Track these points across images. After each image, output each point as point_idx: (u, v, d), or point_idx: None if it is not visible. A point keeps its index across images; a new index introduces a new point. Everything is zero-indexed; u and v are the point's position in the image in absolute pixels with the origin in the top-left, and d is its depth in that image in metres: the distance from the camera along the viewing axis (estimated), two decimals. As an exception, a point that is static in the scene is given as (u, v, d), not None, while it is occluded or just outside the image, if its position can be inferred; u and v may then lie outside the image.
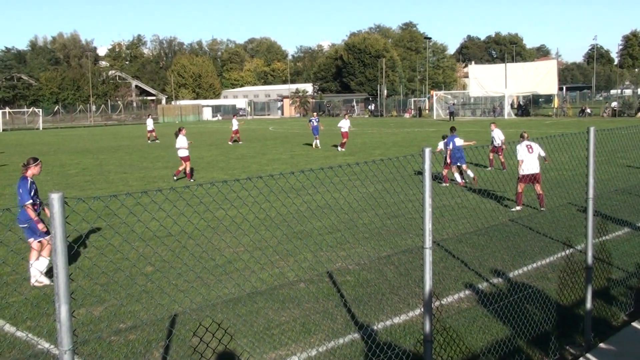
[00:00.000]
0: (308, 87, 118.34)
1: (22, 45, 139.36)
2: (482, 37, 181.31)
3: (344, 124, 33.00)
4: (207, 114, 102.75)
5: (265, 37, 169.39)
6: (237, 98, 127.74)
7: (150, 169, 25.79)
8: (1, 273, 10.02)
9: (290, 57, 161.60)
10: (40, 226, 9.63)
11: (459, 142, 19.25)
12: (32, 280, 9.42)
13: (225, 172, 24.33)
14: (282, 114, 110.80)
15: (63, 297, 3.35)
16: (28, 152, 36.58)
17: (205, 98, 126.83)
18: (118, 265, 10.18)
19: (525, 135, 15.09)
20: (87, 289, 9.05)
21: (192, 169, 22.63)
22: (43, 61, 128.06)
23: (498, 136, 22.32)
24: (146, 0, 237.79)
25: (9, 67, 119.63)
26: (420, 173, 5.00)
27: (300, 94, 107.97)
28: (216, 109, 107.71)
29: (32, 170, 10.02)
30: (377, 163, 21.40)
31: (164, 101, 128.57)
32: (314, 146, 35.28)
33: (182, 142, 21.75)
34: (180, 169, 22.08)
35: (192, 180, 21.68)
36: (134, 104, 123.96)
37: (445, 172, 19.56)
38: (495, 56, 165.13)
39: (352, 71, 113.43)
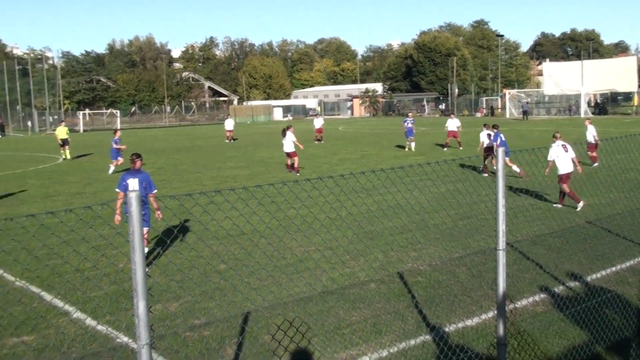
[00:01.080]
0: (378, 87, 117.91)
1: (101, 48, 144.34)
2: (557, 34, 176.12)
3: (452, 124, 32.10)
4: (277, 114, 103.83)
5: (335, 37, 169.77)
6: (307, 98, 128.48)
7: (223, 169, 26.24)
8: (82, 269, 10.38)
9: (359, 56, 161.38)
10: (116, 218, 10.77)
11: (504, 137, 20.97)
12: None
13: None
14: (352, 113, 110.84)
15: (141, 293, 3.43)
16: (108, 152, 37.83)
17: (275, 98, 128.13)
18: (193, 262, 10.40)
19: (558, 135, 15.18)
20: (163, 286, 9.27)
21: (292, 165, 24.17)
22: (120, 64, 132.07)
23: (592, 132, 22.42)
24: (218, 3, 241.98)
25: (88, 70, 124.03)
26: (494, 173, 4.90)
27: (370, 93, 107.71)
28: (286, 109, 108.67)
29: (139, 164, 11.25)
30: (448, 163, 21.14)
31: (235, 102, 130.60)
32: (407, 149, 32.44)
33: (289, 138, 23.70)
34: (289, 163, 24.23)
35: (298, 174, 23.37)
36: (207, 105, 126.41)
37: (486, 162, 21.27)
38: (570, 53, 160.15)
39: (423, 70, 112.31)
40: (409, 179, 18.41)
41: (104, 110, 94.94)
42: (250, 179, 22.52)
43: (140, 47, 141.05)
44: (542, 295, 8.47)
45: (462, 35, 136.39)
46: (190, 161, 30.18)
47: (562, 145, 14.84)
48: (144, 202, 10.24)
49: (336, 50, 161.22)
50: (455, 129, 31.64)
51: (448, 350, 6.47)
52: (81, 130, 78.06)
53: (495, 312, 5.31)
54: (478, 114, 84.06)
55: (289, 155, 24.04)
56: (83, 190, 20.79)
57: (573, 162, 14.71)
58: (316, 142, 40.10)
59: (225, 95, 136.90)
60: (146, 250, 10.15)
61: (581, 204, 14.23)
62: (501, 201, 4.88)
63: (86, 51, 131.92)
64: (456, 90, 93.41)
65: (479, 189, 14.69)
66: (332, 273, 9.70)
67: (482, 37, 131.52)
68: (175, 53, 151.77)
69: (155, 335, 7.28)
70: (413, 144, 32.46)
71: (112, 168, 25.50)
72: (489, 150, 21.27)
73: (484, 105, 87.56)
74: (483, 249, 10.88)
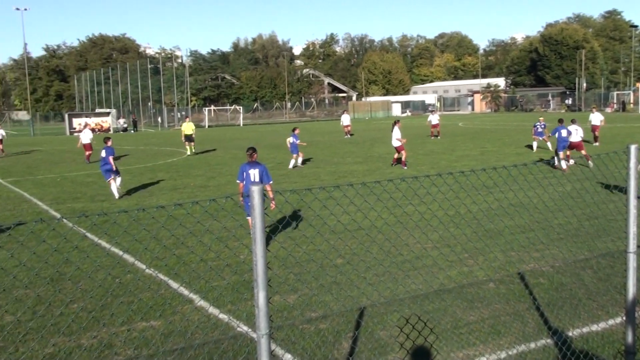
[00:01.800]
0: (500, 82, 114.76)
1: (226, 47, 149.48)
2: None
3: (595, 118, 30.68)
4: (396, 110, 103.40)
5: (456, 31, 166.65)
6: (427, 94, 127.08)
7: (341, 164, 26.46)
8: (206, 259, 10.81)
9: (481, 51, 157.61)
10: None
11: (564, 133, 21.41)
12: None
13: (414, 168, 24.32)
14: (473, 109, 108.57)
15: (261, 283, 3.53)
16: (230, 147, 39.17)
17: (394, 94, 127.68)
18: (311, 256, 10.56)
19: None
20: (282, 277, 9.48)
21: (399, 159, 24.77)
22: (244, 61, 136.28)
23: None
24: (339, 0, 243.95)
25: (214, 68, 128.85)
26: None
27: (491, 88, 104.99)
28: (405, 105, 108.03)
29: (255, 157, 12.18)
30: (575, 160, 20.15)
31: (354, 98, 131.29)
32: (534, 149, 29.69)
33: (395, 134, 24.33)
34: (396, 157, 24.88)
35: (405, 167, 24.05)
36: (326, 101, 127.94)
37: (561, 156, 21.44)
38: None
39: (548, 64, 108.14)
40: (532, 176, 17.79)
41: (228, 107, 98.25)
42: (368, 174, 22.57)
43: (263, 45, 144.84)
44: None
45: (592, 27, 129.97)
46: (308, 156, 30.66)
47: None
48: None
49: (457, 45, 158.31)
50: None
51: (571, 355, 6.21)
52: (206, 126, 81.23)
53: (624, 318, 5.04)
54: (608, 109, 79.93)
55: (396, 149, 24.61)
56: (207, 184, 21.62)
57: None
58: (432, 138, 39.65)
59: (344, 92, 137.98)
60: None
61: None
62: (632, 201, 4.62)
63: (212, 50, 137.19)
64: (584, 85, 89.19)
65: (607, 188, 13.97)
66: (449, 271, 9.55)
67: (613, 28, 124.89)
68: (297, 50, 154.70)
69: (273, 325, 7.46)
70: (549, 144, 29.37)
71: (292, 162, 26.16)
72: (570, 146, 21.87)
73: (615, 100, 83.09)
74: (611, 251, 10.34)
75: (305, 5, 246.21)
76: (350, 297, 8.50)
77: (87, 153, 31.66)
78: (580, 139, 22.07)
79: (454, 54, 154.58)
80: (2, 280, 9.80)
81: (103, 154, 19.13)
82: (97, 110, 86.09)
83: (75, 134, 64.04)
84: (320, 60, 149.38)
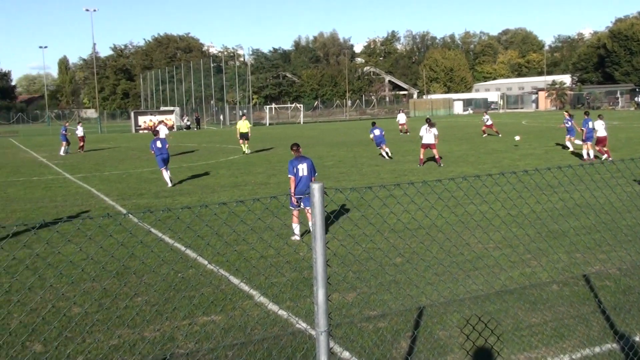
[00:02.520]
0: (566, 79, 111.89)
1: (287, 45, 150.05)
2: None
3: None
4: (457, 108, 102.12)
5: (521, 27, 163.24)
6: (489, 91, 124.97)
7: (401, 162, 26.31)
8: (267, 255, 10.92)
9: (547, 47, 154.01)
10: (294, 199, 12.27)
11: (591, 124, 24.76)
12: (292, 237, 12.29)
13: (475, 166, 23.99)
14: (537, 107, 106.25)
15: (321, 281, 3.54)
16: (291, 144, 39.44)
17: (456, 92, 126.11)
18: (370, 254, 10.54)
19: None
20: (341, 275, 9.50)
21: (440, 157, 24.96)
22: (305, 60, 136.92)
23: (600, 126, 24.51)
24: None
25: (275, 67, 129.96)
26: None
27: (557, 85, 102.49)
28: (467, 103, 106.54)
29: (301, 151, 12.96)
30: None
31: (415, 95, 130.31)
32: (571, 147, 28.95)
33: (434, 132, 24.45)
34: (423, 156, 24.88)
35: (441, 165, 24.25)
36: (387, 99, 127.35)
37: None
38: None
39: (617, 60, 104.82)
40: (599, 176, 17.30)
41: (289, 105, 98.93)
42: (428, 173, 22.38)
43: (324, 43, 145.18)
44: None
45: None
46: (369, 154, 30.58)
47: None
48: (305, 184, 12.23)
49: (521, 41, 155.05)
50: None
51: (639, 361, 6.02)
52: (267, 124, 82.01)
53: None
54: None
55: (429, 146, 24.40)
56: (268, 181, 21.83)
57: None
58: (484, 136, 39.73)
59: (405, 89, 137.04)
60: (298, 227, 12.20)
61: None
62: None
63: (274, 48, 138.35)
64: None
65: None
66: (511, 272, 9.39)
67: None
68: (358, 48, 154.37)
69: (332, 323, 7.48)
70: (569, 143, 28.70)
71: (385, 152, 28.08)
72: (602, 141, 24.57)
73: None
74: (682, 255, 9.97)
75: (366, 3, 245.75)
76: (410, 296, 8.45)
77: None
78: (605, 134, 24.56)
79: (518, 51, 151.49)
80: (71, 272, 10.13)
81: (159, 144, 21.28)
82: (162, 108, 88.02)
83: (146, 130, 65.61)
84: (381, 58, 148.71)
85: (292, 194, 12.27)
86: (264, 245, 11.51)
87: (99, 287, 9.35)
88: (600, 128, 24.56)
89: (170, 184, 20.96)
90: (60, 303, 8.72)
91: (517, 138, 32.36)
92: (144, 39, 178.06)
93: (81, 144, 40.57)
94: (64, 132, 39.57)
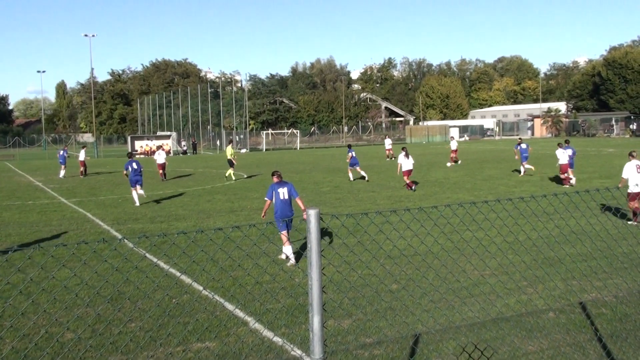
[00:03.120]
0: (561, 106, 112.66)
1: (284, 71, 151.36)
2: None
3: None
4: (454, 135, 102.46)
5: (516, 55, 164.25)
6: (485, 118, 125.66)
7: (397, 189, 26.32)
8: (262, 281, 10.87)
9: (542, 75, 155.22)
10: (262, 215, 13.33)
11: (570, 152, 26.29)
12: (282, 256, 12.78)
13: (471, 193, 24.01)
14: (532, 134, 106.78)
15: (316, 307, 3.53)
16: (287, 169, 39.46)
17: (452, 118, 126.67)
18: (366, 280, 10.50)
19: (635, 154, 15.92)
20: (337, 302, 9.45)
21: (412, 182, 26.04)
22: (302, 85, 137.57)
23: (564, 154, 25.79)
24: (397, 24, 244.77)
25: (272, 92, 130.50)
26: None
27: (552, 113, 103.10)
28: (463, 129, 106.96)
29: (275, 179, 13.29)
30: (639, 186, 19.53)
31: (411, 122, 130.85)
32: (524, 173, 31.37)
33: (411, 160, 26.09)
34: (408, 181, 25.78)
35: (413, 189, 25.17)
36: (383, 125, 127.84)
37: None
38: None
39: (612, 88, 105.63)
40: (594, 203, 17.34)
41: (285, 130, 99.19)
42: (425, 199, 22.39)
43: (321, 69, 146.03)
44: None
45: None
46: (372, 180, 30.60)
47: (637, 165, 15.50)
48: (286, 208, 12.84)
49: (517, 69, 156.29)
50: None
51: (636, 390, 5.97)
52: (264, 149, 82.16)
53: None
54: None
55: (410, 172, 25.78)
56: (264, 206, 21.77)
57: None
58: (449, 165, 39.80)
59: (401, 116, 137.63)
60: (290, 248, 12.44)
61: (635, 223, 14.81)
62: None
63: (271, 74, 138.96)
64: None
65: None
66: (507, 299, 9.35)
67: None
68: (354, 74, 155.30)
69: (328, 350, 7.43)
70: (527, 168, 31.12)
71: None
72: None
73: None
74: (679, 283, 9.95)
75: (364, 30, 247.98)
76: (406, 324, 8.40)
77: (161, 172, 34.83)
78: (567, 161, 25.87)
79: (513, 78, 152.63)
80: (65, 298, 10.06)
81: (134, 165, 23.11)
82: (159, 133, 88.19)
83: (143, 155, 65.88)
84: (377, 85, 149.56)
85: (263, 214, 13.26)
86: (260, 271, 11.47)
87: (93, 313, 9.28)
88: (561, 156, 26.05)
89: (137, 203, 22.75)
90: (54, 329, 8.65)
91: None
92: (142, 64, 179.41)
93: (82, 168, 40.47)
94: (65, 154, 39.73)
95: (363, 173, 30.45)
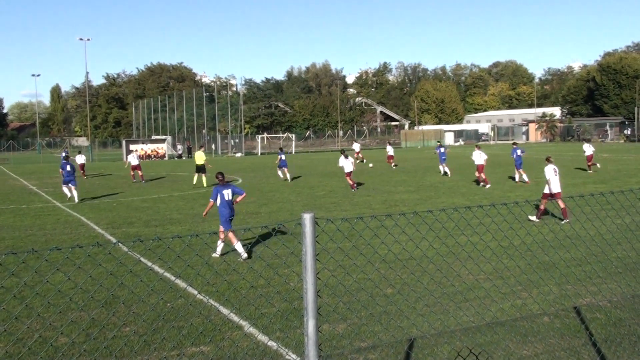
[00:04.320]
0: (556, 111, 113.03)
1: (280, 75, 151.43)
2: None
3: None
4: (449, 139, 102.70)
5: (511, 60, 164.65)
6: (480, 123, 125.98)
7: (392, 193, 26.35)
8: (257, 285, 10.87)
9: (537, 80, 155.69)
10: (204, 213, 14.64)
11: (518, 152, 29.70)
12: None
13: (466, 197, 24.05)
14: (527, 139, 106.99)
15: (311, 312, 3.53)
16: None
17: (447, 123, 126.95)
18: (361, 285, 10.49)
19: (552, 159, 18.93)
20: (332, 306, 9.45)
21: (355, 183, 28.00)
22: (297, 90, 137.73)
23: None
24: (393, 29, 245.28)
25: (268, 96, 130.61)
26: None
27: (547, 118, 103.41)
28: (458, 134, 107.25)
29: (222, 181, 14.25)
30: (635, 192, 19.70)
31: (406, 126, 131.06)
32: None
33: (350, 160, 28.47)
34: (351, 182, 27.96)
35: (355, 190, 27.20)
36: (378, 129, 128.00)
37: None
38: None
39: (606, 93, 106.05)
40: (589, 208, 17.38)
41: (280, 135, 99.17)
42: (420, 203, 22.41)
43: (316, 73, 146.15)
44: None
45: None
46: (367, 184, 30.61)
47: (554, 168, 18.14)
48: (231, 208, 13.78)
49: (512, 74, 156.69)
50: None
51: (630, 394, 5.99)
52: (259, 154, 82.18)
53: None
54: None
55: (350, 174, 28.12)
56: (259, 210, 21.80)
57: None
58: (394, 167, 42.93)
59: (396, 120, 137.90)
60: (240, 246, 13.16)
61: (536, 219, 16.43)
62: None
63: (266, 78, 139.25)
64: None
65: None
66: (502, 303, 9.37)
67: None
68: (350, 79, 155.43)
69: (322, 354, 7.42)
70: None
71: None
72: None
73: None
74: (673, 287, 9.98)
75: (359, 34, 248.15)
76: (400, 328, 8.41)
77: (132, 173, 37.02)
78: (483, 162, 28.23)
79: (508, 83, 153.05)
80: (59, 302, 10.03)
81: (69, 168, 26.32)
82: (154, 137, 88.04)
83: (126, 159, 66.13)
84: (372, 89, 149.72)
85: (205, 214, 14.64)
86: (255, 275, 11.46)
87: (87, 317, 9.26)
88: (477, 158, 28.70)
89: (68, 196, 26.50)
90: (47, 333, 8.62)
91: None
92: (137, 68, 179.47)
93: (82, 171, 42.14)
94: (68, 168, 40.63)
95: (288, 176, 34.40)
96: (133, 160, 37.20)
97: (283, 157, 35.10)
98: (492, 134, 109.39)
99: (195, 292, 10.33)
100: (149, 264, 12.70)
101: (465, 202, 22.37)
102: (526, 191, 25.60)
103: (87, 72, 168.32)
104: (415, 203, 22.57)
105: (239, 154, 79.90)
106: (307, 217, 3.51)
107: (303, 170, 44.40)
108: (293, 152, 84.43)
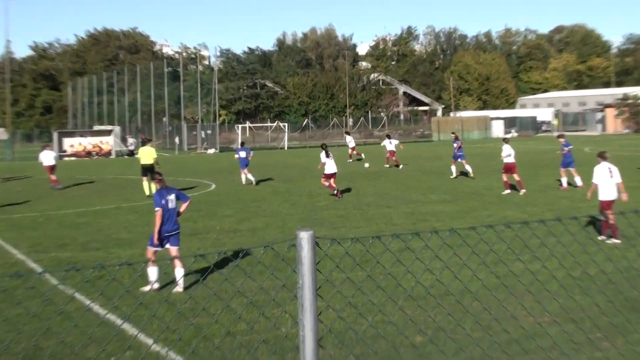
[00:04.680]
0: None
1: (268, 45, 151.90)
2: None
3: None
4: (497, 129, 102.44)
5: (579, 23, 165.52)
6: (539, 107, 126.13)
7: (420, 203, 26.28)
8: (235, 331, 10.74)
9: (615, 49, 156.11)
10: (155, 238, 13.97)
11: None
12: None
13: (522, 209, 23.98)
14: (604, 129, 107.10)
15: (311, 371, 3.39)
16: (269, 176, 39.42)
17: (495, 108, 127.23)
18: (379, 330, 10.33)
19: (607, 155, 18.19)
20: (339, 360, 9.31)
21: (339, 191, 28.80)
22: (291, 64, 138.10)
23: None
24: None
25: (251, 72, 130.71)
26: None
27: (630, 101, 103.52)
28: (510, 123, 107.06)
29: (159, 184, 14.54)
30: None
31: (439, 112, 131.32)
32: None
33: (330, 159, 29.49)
34: (330, 184, 28.86)
35: (340, 197, 28.12)
36: (402, 117, 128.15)
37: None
38: None
39: None
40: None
41: (269, 124, 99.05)
42: (459, 217, 22.33)
43: (317, 41, 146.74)
44: None
45: None
46: (375, 191, 30.60)
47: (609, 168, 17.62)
48: (175, 219, 14.21)
49: (581, 42, 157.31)
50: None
51: None
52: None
53: None
54: None
55: (331, 176, 28.84)
56: (239, 227, 21.72)
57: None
58: (386, 166, 44.86)
59: (426, 104, 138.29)
60: (181, 271, 14.01)
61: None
62: None
63: (250, 48, 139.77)
64: None
65: None
66: (575, 356, 9.21)
67: None
68: (362, 49, 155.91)
69: None
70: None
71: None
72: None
73: None
74: None
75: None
76: (435, 391, 8.25)
77: (52, 177, 37.16)
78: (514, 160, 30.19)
79: (576, 54, 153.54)
80: (-39, 355, 9.88)
81: None
82: (96, 128, 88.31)
83: (74, 157, 65.81)
84: (393, 63, 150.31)
85: (156, 231, 13.89)
86: (232, 317, 11.33)
87: (0, 376, 9.09)
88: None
89: None
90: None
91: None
92: (75, 35, 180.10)
93: None
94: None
95: (250, 176, 36.39)
96: (47, 159, 37.53)
97: (242, 154, 36.47)
98: (555, 123, 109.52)
99: (150, 342, 10.18)
100: (87, 301, 12.58)
101: (520, 216, 22.29)
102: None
103: (8, 41, 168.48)
104: (452, 217, 22.49)
105: (212, 150, 79.94)
106: (305, 237, 3.37)
107: (299, 171, 44.41)
108: (285, 147, 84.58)
